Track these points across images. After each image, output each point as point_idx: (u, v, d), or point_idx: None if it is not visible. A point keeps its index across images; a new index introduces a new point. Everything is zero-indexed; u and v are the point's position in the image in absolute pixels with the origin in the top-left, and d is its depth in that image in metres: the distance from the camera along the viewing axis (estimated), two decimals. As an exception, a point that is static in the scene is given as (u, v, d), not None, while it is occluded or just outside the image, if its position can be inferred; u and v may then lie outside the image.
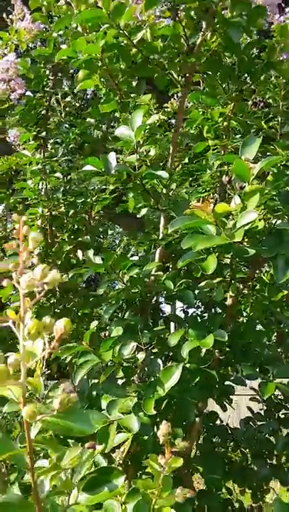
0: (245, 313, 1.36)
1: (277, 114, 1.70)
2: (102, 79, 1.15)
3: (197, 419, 1.29)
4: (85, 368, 1.02)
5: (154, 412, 0.92)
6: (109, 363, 1.20)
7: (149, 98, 1.09)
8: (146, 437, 1.07)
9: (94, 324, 1.07)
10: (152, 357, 1.25)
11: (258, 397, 1.76)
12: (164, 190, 1.16)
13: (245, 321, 1.27)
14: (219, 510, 1.36)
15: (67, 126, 1.98)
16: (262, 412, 1.70)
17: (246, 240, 0.91)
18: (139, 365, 1.11)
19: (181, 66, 1.14)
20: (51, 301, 1.64)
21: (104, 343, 1.03)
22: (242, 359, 1.18)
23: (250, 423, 1.68)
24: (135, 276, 1.24)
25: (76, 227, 1.72)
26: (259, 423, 1.68)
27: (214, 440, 1.50)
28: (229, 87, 1.34)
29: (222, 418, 1.64)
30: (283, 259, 0.82)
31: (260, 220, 0.93)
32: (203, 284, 1.14)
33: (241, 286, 1.10)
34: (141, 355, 1.11)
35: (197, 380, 1.17)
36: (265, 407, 1.71)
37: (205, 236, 0.88)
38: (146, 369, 1.13)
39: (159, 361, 1.15)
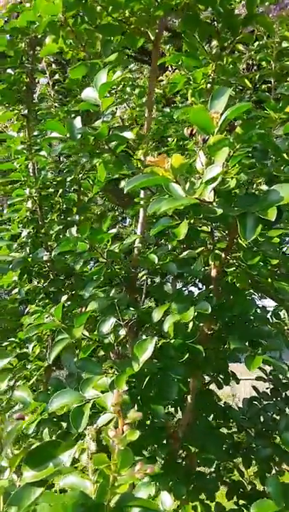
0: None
1: (270, 75, 1.60)
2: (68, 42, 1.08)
3: (189, 397, 1.24)
4: (60, 345, 0.98)
5: (126, 388, 0.87)
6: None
7: (116, 57, 1.01)
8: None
9: (64, 298, 1.02)
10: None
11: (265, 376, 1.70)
12: (141, 156, 1.09)
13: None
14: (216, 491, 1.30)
15: (57, 105, 1.92)
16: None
17: (217, 200, 0.83)
18: (116, 342, 1.06)
19: (149, 22, 1.06)
20: (44, 284, 1.61)
21: (78, 319, 0.98)
22: (231, 333, 1.11)
23: (256, 402, 1.62)
24: (116, 250, 1.19)
25: (65, 206, 1.67)
26: (265, 402, 1.62)
27: (216, 420, 1.44)
28: (210, 46, 1.25)
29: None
30: (253, 217, 0.74)
31: (232, 178, 0.85)
32: (184, 254, 1.08)
33: (223, 255, 1.03)
34: (121, 332, 1.06)
35: (185, 356, 1.12)
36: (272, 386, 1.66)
37: (170, 197, 0.81)
38: (127, 346, 1.08)
39: (144, 337, 1.10)
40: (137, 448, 1.27)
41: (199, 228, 1.03)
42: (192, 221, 0.96)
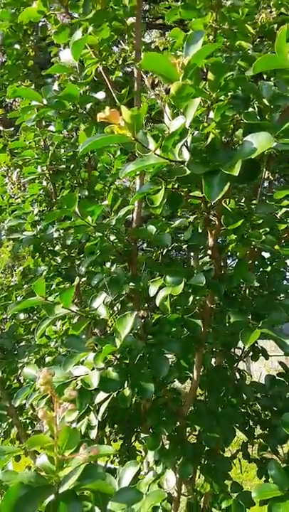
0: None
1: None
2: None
3: (195, 374, 1.18)
4: (45, 322, 0.95)
5: (102, 365, 0.83)
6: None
7: (94, 15, 0.94)
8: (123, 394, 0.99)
9: (43, 274, 0.99)
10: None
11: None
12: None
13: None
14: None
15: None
16: None
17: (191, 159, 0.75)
18: (111, 317, 1.01)
19: None
20: (58, 262, 1.59)
21: (63, 295, 0.94)
22: (231, 306, 1.03)
23: (282, 379, 1.53)
24: (112, 223, 1.14)
25: (76, 182, 1.63)
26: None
27: (229, 397, 1.37)
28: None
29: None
30: (219, 175, 0.65)
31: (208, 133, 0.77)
32: (176, 223, 1.00)
33: (217, 222, 0.94)
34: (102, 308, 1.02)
35: (183, 331, 1.06)
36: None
37: (139, 159, 0.75)
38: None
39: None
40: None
41: (191, 194, 0.95)
42: (177, 186, 0.88)
